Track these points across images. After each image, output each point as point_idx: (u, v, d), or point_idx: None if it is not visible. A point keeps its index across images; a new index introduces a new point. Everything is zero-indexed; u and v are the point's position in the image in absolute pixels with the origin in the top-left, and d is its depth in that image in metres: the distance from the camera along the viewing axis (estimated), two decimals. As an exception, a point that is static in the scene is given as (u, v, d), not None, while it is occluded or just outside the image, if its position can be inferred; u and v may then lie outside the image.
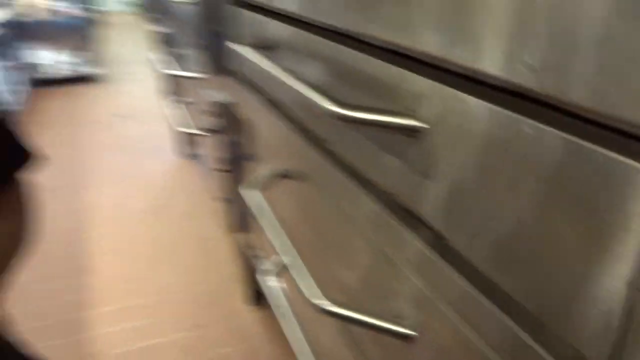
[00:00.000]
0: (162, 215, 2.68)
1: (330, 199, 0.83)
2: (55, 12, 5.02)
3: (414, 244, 0.56)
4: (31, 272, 2.06)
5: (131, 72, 5.83)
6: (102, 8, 8.36)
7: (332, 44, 0.70)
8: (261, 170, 1.24)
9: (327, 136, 0.78)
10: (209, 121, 1.79)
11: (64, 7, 5.04)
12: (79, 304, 2.00)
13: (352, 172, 0.71)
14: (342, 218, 0.79)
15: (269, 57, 0.89)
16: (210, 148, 2.06)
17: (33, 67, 5.08)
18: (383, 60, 0.57)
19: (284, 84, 0.73)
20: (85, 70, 5.31)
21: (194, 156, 3.14)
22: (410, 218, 0.57)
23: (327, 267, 0.90)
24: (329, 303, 0.69)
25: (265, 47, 1.00)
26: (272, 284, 1.24)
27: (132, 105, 4.58)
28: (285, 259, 0.93)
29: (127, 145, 3.67)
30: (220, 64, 1.41)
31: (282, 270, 1.12)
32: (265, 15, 1.00)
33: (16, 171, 0.73)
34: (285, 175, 1.06)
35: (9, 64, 4.29)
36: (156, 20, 3.20)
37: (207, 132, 1.89)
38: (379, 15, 0.55)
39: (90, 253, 2.34)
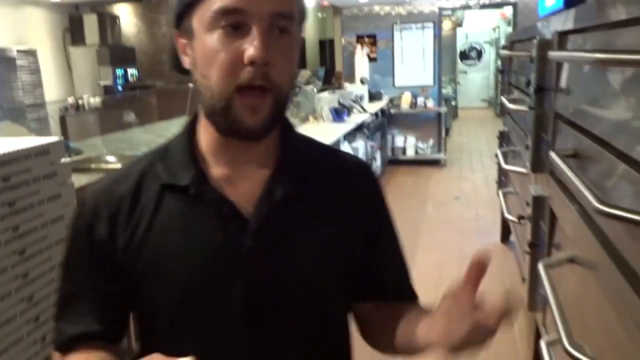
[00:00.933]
0: (471, 288, 2.98)
1: (607, 291, 0.98)
2: (416, 106, 6.07)
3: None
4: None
5: (470, 160, 6.42)
6: (454, 103, 9.43)
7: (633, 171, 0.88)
8: (558, 255, 1.44)
9: (614, 237, 0.96)
10: (524, 210, 2.04)
11: (423, 102, 6.05)
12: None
13: (632, 276, 0.84)
14: (613, 309, 0.93)
15: (575, 166, 1.13)
16: (522, 234, 2.28)
17: (390, 148, 6.21)
18: None
19: (580, 191, 0.95)
20: (431, 155, 6.16)
21: (510, 240, 3.35)
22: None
23: (594, 343, 1.06)
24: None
25: (575, 155, 1.24)
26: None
27: (467, 189, 5.08)
28: (561, 332, 1.10)
29: (454, 222, 4.15)
30: (539, 163, 1.69)
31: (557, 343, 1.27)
32: (582, 133, 1.23)
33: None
34: (574, 261, 1.25)
35: (374, 144, 5.42)
36: (500, 117, 3.62)
37: (520, 220, 2.13)
38: None
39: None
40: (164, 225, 0.65)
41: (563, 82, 1.43)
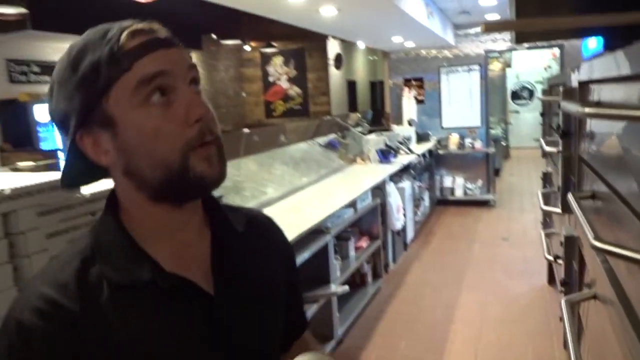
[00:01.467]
0: (511, 327, 2.98)
1: (617, 329, 1.06)
2: (463, 147, 6.13)
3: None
4: (405, 340, 2.72)
5: (521, 201, 6.36)
6: (505, 144, 9.36)
7: None
8: (582, 292, 1.50)
9: (619, 275, 1.04)
10: (561, 250, 2.09)
11: (471, 143, 6.10)
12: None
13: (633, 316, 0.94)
14: (619, 345, 1.00)
15: (592, 208, 1.21)
16: (559, 273, 2.32)
17: (439, 188, 6.26)
18: None
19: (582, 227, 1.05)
20: (480, 195, 6.16)
21: (553, 281, 3.33)
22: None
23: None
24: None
25: (593, 197, 1.33)
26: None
27: (515, 230, 5.05)
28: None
29: (501, 263, 4.14)
30: (568, 204, 1.76)
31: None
32: (597, 176, 1.32)
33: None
34: (597, 298, 1.32)
35: (422, 184, 5.50)
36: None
37: (557, 259, 2.18)
38: None
39: (447, 340, 2.86)
40: (135, 330, 0.60)
41: (583, 128, 1.53)
